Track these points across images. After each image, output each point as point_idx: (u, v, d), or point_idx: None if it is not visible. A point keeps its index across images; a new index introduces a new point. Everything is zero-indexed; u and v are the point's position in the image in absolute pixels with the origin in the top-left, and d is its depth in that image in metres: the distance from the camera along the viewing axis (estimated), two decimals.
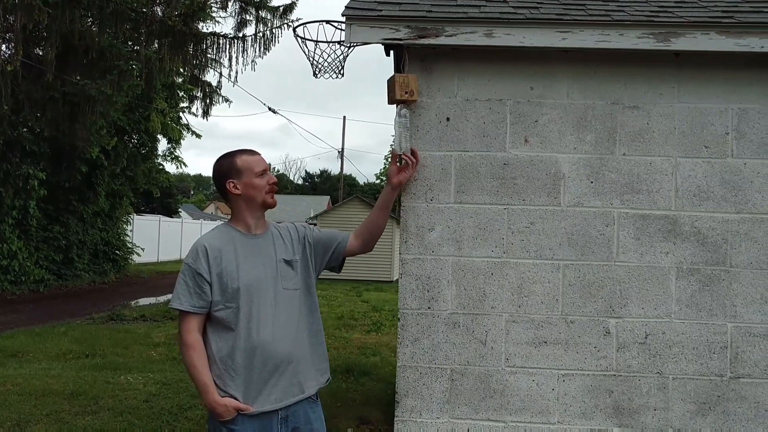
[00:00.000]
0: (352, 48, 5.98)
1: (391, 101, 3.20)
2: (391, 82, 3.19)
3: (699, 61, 3.19)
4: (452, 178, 3.26)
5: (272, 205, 2.61)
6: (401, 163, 3.06)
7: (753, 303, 3.15)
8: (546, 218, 3.23)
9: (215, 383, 2.44)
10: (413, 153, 3.10)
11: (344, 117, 34.43)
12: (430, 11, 3.25)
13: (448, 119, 3.28)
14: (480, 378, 3.22)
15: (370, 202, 23.39)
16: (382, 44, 3.21)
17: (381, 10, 3.24)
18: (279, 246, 2.62)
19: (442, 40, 3.14)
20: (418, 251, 3.26)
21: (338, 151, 35.07)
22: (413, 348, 3.24)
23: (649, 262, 3.20)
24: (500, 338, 3.22)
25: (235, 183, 2.55)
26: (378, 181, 56.65)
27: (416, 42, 3.15)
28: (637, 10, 3.29)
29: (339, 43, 5.96)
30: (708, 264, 3.19)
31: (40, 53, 14.14)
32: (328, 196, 55.88)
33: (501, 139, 3.26)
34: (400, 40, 3.15)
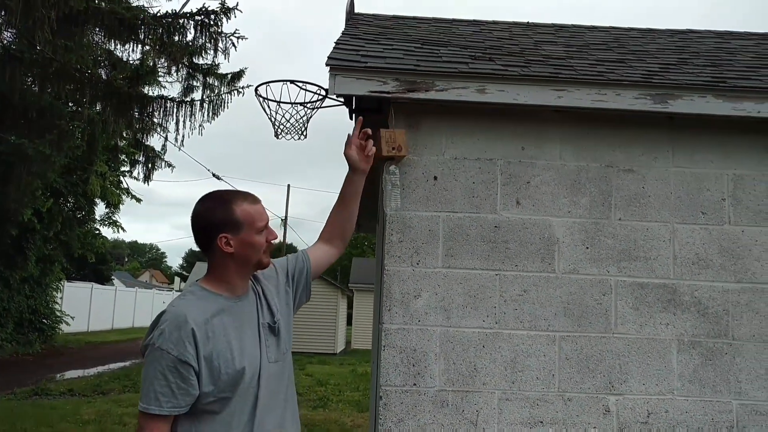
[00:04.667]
0: (315, 110, 5.81)
1: (378, 159, 2.97)
2: (376, 138, 2.97)
3: (693, 125, 3.10)
4: (440, 241, 3.02)
5: (267, 266, 2.15)
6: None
7: (758, 379, 2.97)
8: (540, 286, 3.01)
9: None
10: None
11: (288, 185, 34.13)
12: (418, 65, 3.08)
13: (435, 178, 3.06)
14: None
15: None
16: (368, 97, 3.00)
17: (366, 62, 3.05)
18: (260, 306, 2.13)
19: (432, 95, 2.96)
20: (402, 320, 2.97)
21: (282, 219, 34.59)
22: (397, 430, 2.90)
23: (649, 334, 3.00)
24: (492, 418, 2.92)
25: (228, 238, 2.00)
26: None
27: (405, 96, 2.96)
28: (627, 73, 3.21)
29: (302, 104, 5.78)
30: (710, 336, 3.01)
31: None
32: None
33: (492, 200, 3.06)
34: (388, 93, 2.96)
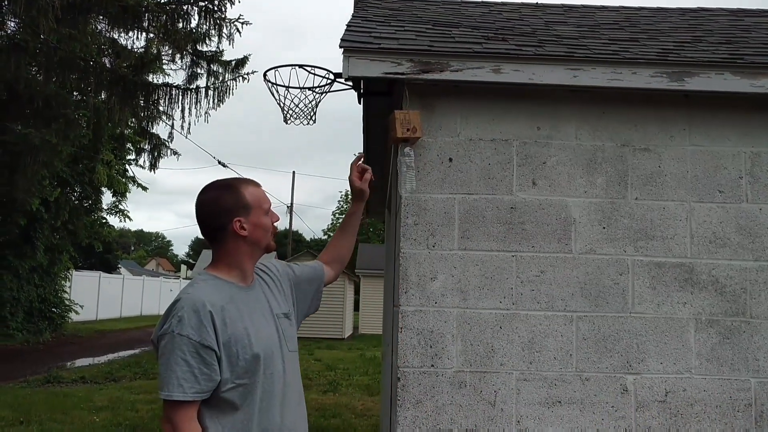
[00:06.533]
0: (324, 94, 5.79)
1: (392, 141, 2.97)
2: (391, 120, 2.96)
3: (709, 103, 3.07)
4: (456, 223, 3.02)
5: (273, 250, 2.18)
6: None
7: None
8: (557, 266, 3.01)
9: None
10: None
11: (294, 172, 34.09)
12: (432, 46, 3.06)
13: (450, 160, 3.05)
14: None
15: None
16: (383, 79, 2.98)
17: (380, 44, 3.03)
18: (270, 297, 2.16)
19: (447, 75, 2.94)
20: (419, 302, 2.97)
21: (287, 206, 34.61)
22: (415, 411, 2.91)
23: (666, 313, 2.99)
24: (511, 398, 2.93)
25: (242, 222, 2.03)
26: (325, 237, 56.11)
27: (419, 77, 2.94)
28: (642, 51, 3.18)
29: (311, 88, 5.76)
30: (727, 315, 3.00)
31: None
32: (274, 252, 54.83)
33: (507, 182, 3.05)
34: (402, 74, 2.94)
